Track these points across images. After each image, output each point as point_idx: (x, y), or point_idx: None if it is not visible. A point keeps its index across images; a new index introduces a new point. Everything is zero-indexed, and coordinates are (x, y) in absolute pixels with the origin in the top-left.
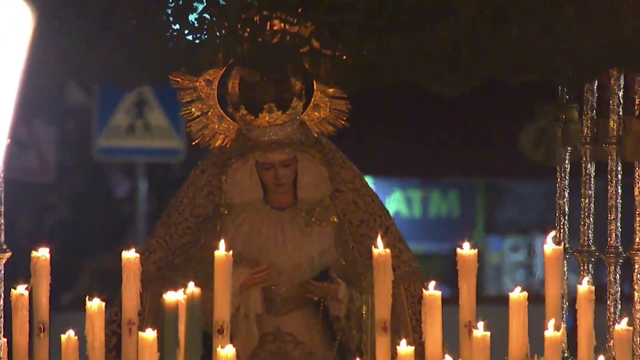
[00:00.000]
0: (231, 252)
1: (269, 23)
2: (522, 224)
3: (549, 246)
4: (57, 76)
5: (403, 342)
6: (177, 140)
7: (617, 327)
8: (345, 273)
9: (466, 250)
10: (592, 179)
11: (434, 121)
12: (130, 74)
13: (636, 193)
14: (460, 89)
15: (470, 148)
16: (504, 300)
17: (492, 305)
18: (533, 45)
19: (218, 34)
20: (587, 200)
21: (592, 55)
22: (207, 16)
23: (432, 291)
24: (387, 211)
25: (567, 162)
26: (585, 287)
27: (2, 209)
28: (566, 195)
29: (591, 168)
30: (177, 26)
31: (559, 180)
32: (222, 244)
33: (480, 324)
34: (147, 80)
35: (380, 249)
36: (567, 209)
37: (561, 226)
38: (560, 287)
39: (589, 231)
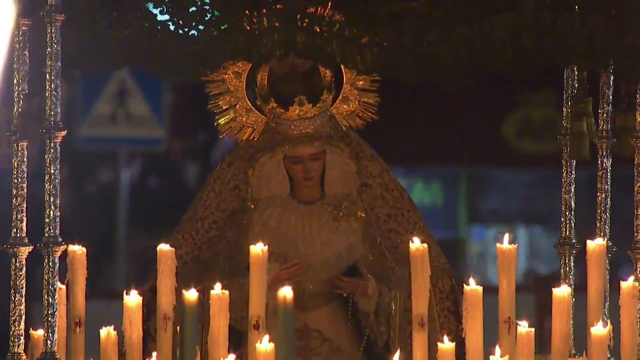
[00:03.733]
0: (266, 247)
1: (327, 13)
2: (505, 213)
3: (592, 242)
4: (116, 65)
5: (445, 339)
6: (159, 130)
7: None
8: (373, 268)
9: (506, 244)
10: (608, 173)
11: (416, 110)
12: (187, 66)
13: None
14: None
15: (454, 137)
16: (486, 291)
17: None
18: (596, 36)
19: (276, 24)
20: (603, 195)
21: None
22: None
23: (473, 286)
24: (415, 206)
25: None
26: (629, 282)
27: (58, 202)
28: (572, 189)
29: (607, 162)
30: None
31: (564, 174)
32: (259, 242)
33: (524, 322)
34: (203, 72)
35: (417, 243)
36: (573, 204)
37: (567, 221)
38: (603, 283)
39: (606, 226)
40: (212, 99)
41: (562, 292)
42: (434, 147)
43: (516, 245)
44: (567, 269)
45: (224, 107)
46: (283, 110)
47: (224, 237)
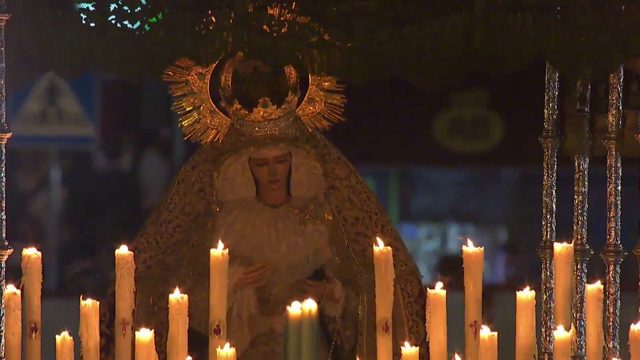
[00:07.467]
0: (227, 250)
1: (277, 13)
2: (436, 212)
3: (559, 244)
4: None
5: (407, 343)
6: (90, 128)
7: (633, 327)
8: (340, 272)
9: (472, 248)
10: (585, 176)
11: (346, 109)
12: (136, 65)
13: None
14: (449, 84)
15: (384, 136)
16: None
17: None
18: (548, 36)
19: (225, 24)
20: (580, 198)
21: (608, 47)
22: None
23: (437, 290)
24: (383, 209)
25: (555, 157)
26: (594, 286)
27: (4, 205)
28: (553, 192)
29: (584, 165)
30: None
31: (545, 177)
32: (220, 243)
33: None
34: (152, 72)
35: (380, 246)
36: (554, 207)
37: (548, 224)
38: (570, 286)
39: (583, 229)
40: (175, 100)
41: (526, 295)
42: (365, 146)
43: (483, 248)
44: (548, 273)
45: (188, 109)
46: (247, 112)
47: (188, 241)
